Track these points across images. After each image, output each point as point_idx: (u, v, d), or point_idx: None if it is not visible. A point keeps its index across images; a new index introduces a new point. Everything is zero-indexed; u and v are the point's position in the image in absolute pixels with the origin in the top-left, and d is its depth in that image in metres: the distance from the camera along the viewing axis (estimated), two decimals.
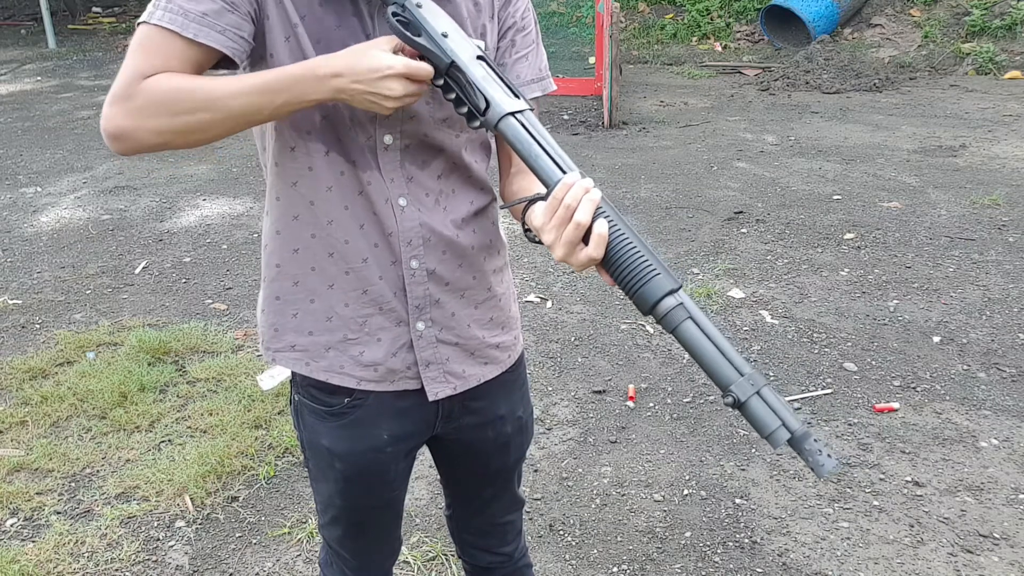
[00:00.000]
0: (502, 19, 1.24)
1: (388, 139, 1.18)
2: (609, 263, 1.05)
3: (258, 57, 1.14)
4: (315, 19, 1.12)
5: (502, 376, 1.38)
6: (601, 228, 1.03)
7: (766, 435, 1.01)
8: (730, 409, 1.02)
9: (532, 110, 1.10)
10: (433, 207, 1.23)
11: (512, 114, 1.08)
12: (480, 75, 1.09)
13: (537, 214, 1.09)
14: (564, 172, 1.06)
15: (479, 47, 1.11)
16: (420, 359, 1.28)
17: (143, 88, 1.03)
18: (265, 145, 1.23)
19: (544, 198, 1.08)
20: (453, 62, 1.08)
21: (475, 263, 1.30)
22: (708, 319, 1.05)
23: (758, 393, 1.01)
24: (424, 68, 1.08)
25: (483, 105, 1.09)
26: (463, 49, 1.09)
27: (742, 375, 1.02)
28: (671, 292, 1.04)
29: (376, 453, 1.32)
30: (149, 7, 1.07)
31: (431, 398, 1.30)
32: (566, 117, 6.85)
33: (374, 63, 1.05)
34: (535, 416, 2.52)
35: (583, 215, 1.02)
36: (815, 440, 1.00)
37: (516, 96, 1.10)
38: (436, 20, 1.09)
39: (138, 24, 1.07)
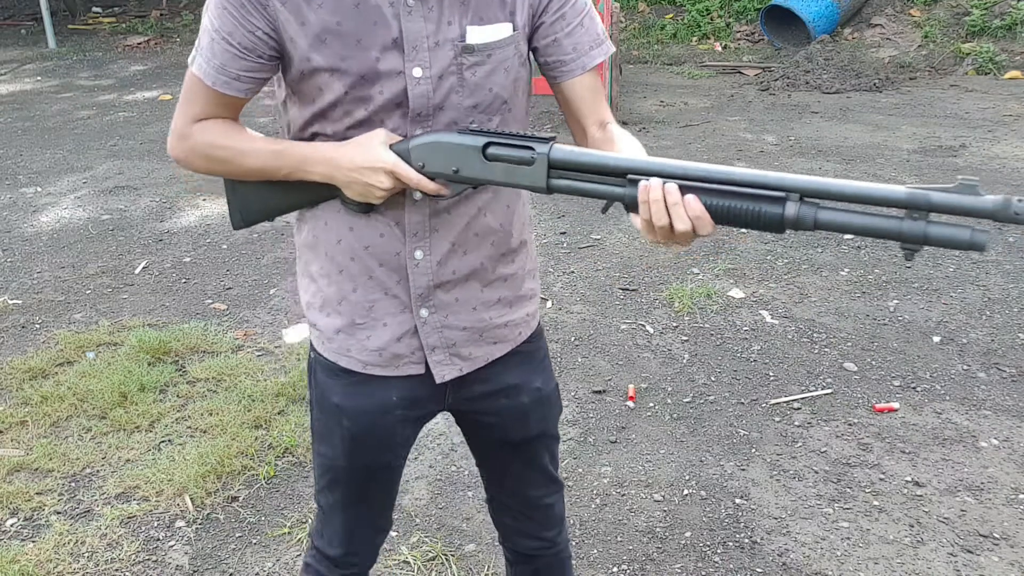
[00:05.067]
0: None
1: (420, 131, 1.20)
2: (720, 222, 1.07)
3: (288, 61, 1.21)
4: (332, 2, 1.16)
5: (512, 350, 1.40)
6: (696, 210, 1.04)
7: (966, 247, 0.96)
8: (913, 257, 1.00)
9: (553, 139, 1.13)
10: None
11: (548, 178, 1.12)
12: (501, 172, 1.14)
13: (639, 228, 1.11)
14: (627, 181, 1.09)
15: (474, 126, 1.17)
16: (426, 344, 1.31)
17: (193, 132, 1.24)
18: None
19: (622, 200, 1.10)
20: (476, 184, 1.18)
21: (482, 248, 1.31)
22: (833, 181, 1.02)
23: (926, 220, 0.97)
24: (411, 174, 1.16)
25: (526, 183, 1.14)
26: (472, 168, 1.15)
27: (902, 204, 0.98)
28: (783, 203, 1.03)
29: (384, 414, 1.35)
30: (194, 48, 1.21)
31: (438, 380, 1.33)
32: None
33: (371, 156, 1.15)
34: None
35: (682, 224, 1.05)
36: (1019, 200, 0.93)
37: (530, 144, 1.13)
38: (438, 159, 1.16)
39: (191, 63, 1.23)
